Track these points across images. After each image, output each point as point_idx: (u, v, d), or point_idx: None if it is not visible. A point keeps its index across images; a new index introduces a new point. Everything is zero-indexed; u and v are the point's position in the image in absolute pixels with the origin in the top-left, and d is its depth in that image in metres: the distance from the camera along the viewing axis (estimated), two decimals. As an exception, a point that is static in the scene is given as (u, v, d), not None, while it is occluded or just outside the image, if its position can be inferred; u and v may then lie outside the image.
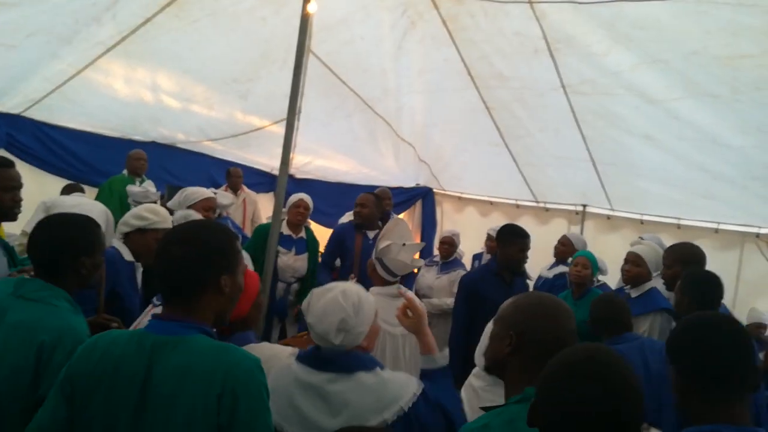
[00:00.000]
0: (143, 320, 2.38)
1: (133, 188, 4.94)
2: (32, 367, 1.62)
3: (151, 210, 2.96)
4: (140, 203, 4.01)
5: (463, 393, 2.28)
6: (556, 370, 1.21)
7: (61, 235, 1.85)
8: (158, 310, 2.33)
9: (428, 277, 5.25)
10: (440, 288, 5.07)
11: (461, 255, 5.72)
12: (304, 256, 4.77)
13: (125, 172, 5.68)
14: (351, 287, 1.86)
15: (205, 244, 1.48)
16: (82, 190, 5.14)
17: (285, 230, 4.60)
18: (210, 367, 1.36)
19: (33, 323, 1.68)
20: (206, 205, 3.73)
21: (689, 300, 2.80)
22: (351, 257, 4.36)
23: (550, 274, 4.80)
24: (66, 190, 5.04)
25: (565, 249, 4.84)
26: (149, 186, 5.01)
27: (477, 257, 5.95)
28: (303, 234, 4.81)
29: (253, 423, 1.36)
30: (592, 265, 3.97)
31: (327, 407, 1.71)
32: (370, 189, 6.38)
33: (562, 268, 4.69)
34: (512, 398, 1.48)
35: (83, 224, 1.93)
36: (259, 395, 1.39)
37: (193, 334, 1.42)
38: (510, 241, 3.60)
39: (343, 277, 4.38)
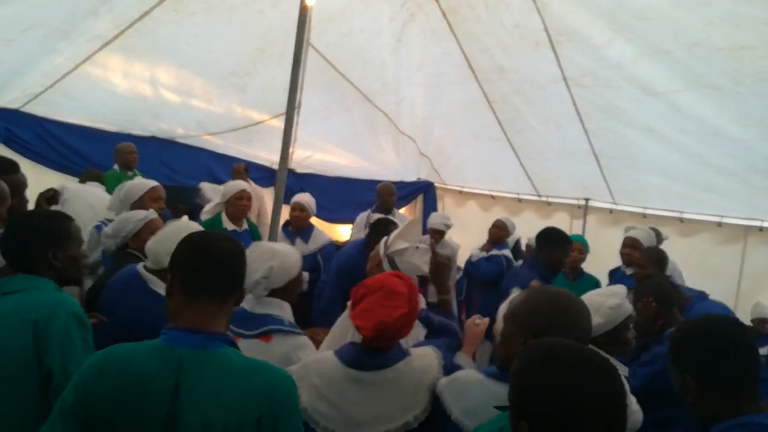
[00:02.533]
0: None
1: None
2: (30, 346, 1.64)
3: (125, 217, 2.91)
4: None
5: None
6: (558, 368, 1.16)
7: (23, 229, 1.87)
8: None
9: None
10: None
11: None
12: None
13: (116, 166, 5.38)
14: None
15: (239, 245, 1.42)
16: (100, 177, 4.93)
17: (228, 225, 4.22)
18: (247, 388, 1.29)
19: (22, 306, 1.70)
20: (153, 196, 3.45)
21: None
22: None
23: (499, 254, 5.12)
24: (86, 177, 4.87)
25: (500, 232, 5.24)
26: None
27: None
28: (246, 226, 4.42)
29: None
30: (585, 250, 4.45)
31: None
32: (371, 184, 6.38)
33: (504, 250, 5.17)
34: None
35: (48, 217, 1.96)
36: (297, 413, 1.37)
37: (221, 346, 1.33)
38: (559, 246, 3.80)
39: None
